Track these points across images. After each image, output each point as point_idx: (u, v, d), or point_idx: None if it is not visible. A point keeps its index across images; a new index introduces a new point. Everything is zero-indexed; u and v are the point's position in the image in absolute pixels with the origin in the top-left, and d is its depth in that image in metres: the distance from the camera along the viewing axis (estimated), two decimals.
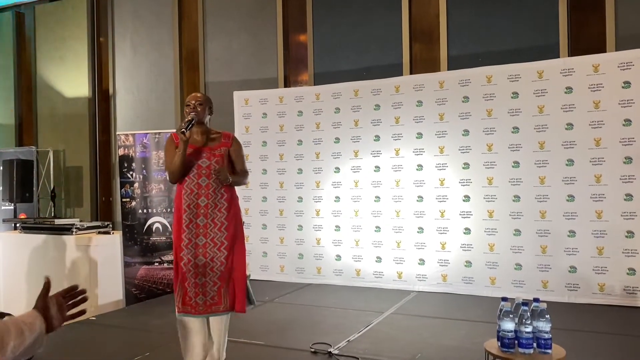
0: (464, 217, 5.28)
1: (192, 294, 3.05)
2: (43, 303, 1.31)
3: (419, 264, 5.45)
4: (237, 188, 3.32)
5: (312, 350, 3.65)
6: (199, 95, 3.28)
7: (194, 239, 3.09)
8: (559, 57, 5.28)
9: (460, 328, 4.15)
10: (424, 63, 5.92)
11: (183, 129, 3.02)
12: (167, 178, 3.22)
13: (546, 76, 5.03)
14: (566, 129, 4.94)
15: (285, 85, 6.53)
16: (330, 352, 3.59)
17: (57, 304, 1.34)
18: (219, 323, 3.13)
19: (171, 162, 3.11)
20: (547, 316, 2.46)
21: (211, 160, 3.14)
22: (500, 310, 2.52)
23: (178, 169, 3.08)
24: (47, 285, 1.35)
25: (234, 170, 3.26)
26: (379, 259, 5.63)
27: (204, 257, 3.07)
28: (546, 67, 5.05)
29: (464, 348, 3.66)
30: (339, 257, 5.82)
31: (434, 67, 5.81)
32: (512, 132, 5.11)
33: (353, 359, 3.47)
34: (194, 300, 3.05)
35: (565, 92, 4.94)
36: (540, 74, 5.05)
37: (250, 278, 3.41)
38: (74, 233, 5.47)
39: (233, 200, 3.21)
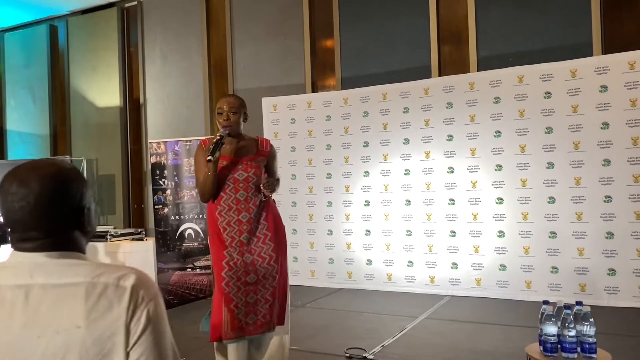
0: (498, 220, 5.19)
1: (241, 315, 2.82)
2: None
3: (451, 268, 5.38)
4: None
5: (347, 355, 3.63)
6: (231, 99, 2.93)
7: (240, 257, 2.85)
8: (592, 55, 5.17)
9: (496, 333, 4.08)
10: (453, 65, 5.86)
11: (210, 154, 2.71)
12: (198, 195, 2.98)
13: (580, 75, 4.92)
14: (602, 128, 4.82)
15: (313, 91, 6.54)
16: (365, 357, 3.57)
17: None
18: (269, 340, 2.94)
19: (201, 175, 2.85)
20: (591, 319, 2.40)
21: (248, 172, 2.89)
22: (542, 313, 2.47)
23: (210, 191, 2.84)
24: None
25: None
26: (410, 263, 5.58)
27: (255, 275, 2.84)
28: (580, 65, 4.94)
29: (501, 353, 3.60)
30: (369, 262, 5.78)
31: (463, 68, 5.75)
32: (546, 132, 5.02)
33: None
34: (243, 322, 2.83)
35: (600, 91, 4.83)
36: (574, 72, 4.95)
37: None
38: (108, 240, 5.56)
39: (272, 209, 3.00)
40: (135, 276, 1.05)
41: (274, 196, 3.09)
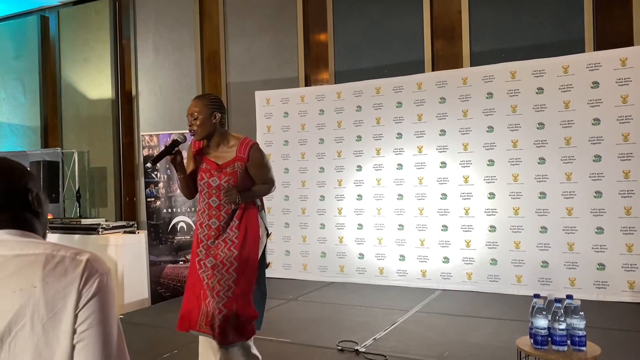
0: (489, 215, 5.23)
1: (200, 312, 2.81)
2: None
3: (443, 262, 5.41)
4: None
5: (339, 348, 3.64)
6: (194, 102, 2.81)
7: (205, 259, 2.84)
8: (584, 52, 5.20)
9: (487, 326, 4.12)
10: (446, 60, 5.88)
11: (151, 161, 2.75)
12: None
13: (572, 71, 4.96)
14: (593, 124, 4.86)
15: (306, 85, 6.53)
16: (357, 350, 3.59)
17: None
18: (224, 356, 2.82)
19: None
20: (581, 313, 2.43)
21: (221, 180, 2.79)
22: (533, 307, 2.49)
23: (184, 192, 2.92)
24: None
25: (252, 182, 2.89)
26: (402, 257, 5.60)
27: (212, 279, 2.79)
28: (572, 61, 4.98)
29: (492, 346, 3.63)
30: (362, 256, 5.81)
31: (456, 63, 5.77)
32: (538, 128, 5.05)
33: (381, 356, 3.46)
34: (200, 319, 2.81)
35: (592, 87, 4.87)
36: (566, 69, 4.98)
37: (273, 276, 3.18)
38: (100, 233, 5.54)
39: (247, 217, 2.85)
40: (90, 254, 1.18)
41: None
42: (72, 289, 1.11)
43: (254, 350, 2.92)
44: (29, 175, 1.27)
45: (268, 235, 3.02)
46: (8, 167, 1.25)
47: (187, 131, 2.85)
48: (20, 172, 1.26)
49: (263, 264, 3.00)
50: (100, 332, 1.14)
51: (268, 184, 2.96)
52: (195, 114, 2.76)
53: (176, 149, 2.80)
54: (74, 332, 1.11)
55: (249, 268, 2.84)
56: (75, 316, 1.11)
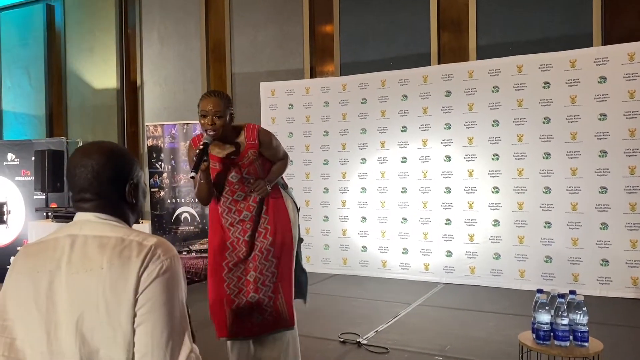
0: (493, 209, 5.21)
1: (242, 316, 2.76)
2: None
3: (446, 256, 5.41)
4: None
5: (341, 340, 3.66)
6: (216, 101, 2.66)
7: (243, 256, 2.79)
8: (592, 46, 5.16)
9: (489, 320, 4.12)
10: (452, 53, 5.84)
11: (193, 169, 2.58)
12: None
13: (579, 65, 4.92)
14: (599, 119, 4.83)
15: (312, 76, 6.51)
16: (359, 342, 3.60)
17: None
18: (273, 343, 2.82)
19: (195, 181, 2.75)
20: (584, 309, 2.42)
21: (242, 173, 2.76)
22: (536, 302, 2.48)
23: (206, 198, 2.78)
24: None
25: (270, 164, 2.88)
26: (405, 251, 5.60)
27: (254, 272, 2.76)
28: (579, 56, 4.93)
29: (493, 340, 3.63)
30: (364, 248, 5.81)
31: (462, 56, 5.73)
32: (544, 122, 5.02)
33: (382, 349, 3.47)
34: (245, 322, 2.77)
35: (599, 82, 4.83)
36: (573, 63, 4.94)
37: None
38: None
39: (273, 199, 2.83)
40: (157, 239, 1.27)
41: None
42: (132, 273, 1.19)
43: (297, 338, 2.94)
44: (134, 165, 1.37)
45: (298, 210, 2.99)
46: (118, 156, 1.35)
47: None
48: (127, 163, 1.36)
49: (299, 240, 2.99)
50: (160, 315, 1.19)
51: (283, 159, 2.92)
52: (220, 112, 2.63)
53: (207, 150, 2.66)
54: (135, 315, 1.18)
55: (285, 251, 2.83)
56: (136, 300, 1.18)
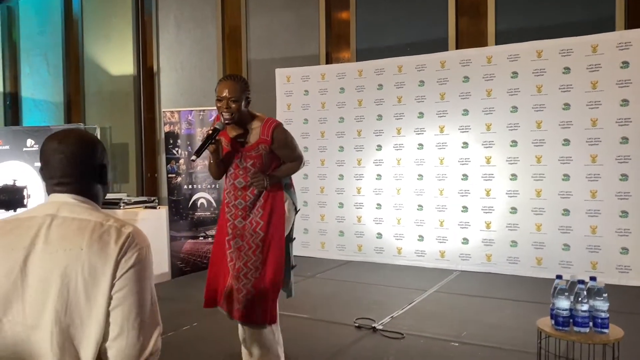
0: (511, 196, 5.16)
1: (227, 293, 2.82)
2: None
3: (462, 243, 5.38)
4: None
5: (356, 325, 3.66)
6: (232, 85, 2.67)
7: (232, 239, 2.84)
8: (614, 30, 5.05)
9: (505, 307, 4.09)
10: (470, 38, 5.76)
11: (195, 153, 2.67)
12: None
13: (601, 50, 4.82)
14: (621, 105, 4.74)
15: (327, 62, 6.47)
16: (374, 327, 3.60)
17: None
18: (249, 334, 2.84)
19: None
20: (605, 295, 2.39)
21: (247, 163, 2.77)
22: (555, 288, 2.46)
23: (214, 174, 2.89)
24: None
25: (280, 162, 2.87)
26: (421, 238, 5.58)
27: (238, 261, 2.78)
28: (601, 40, 4.83)
29: (510, 327, 3.61)
30: (380, 235, 5.80)
31: (481, 41, 5.65)
32: (563, 108, 4.94)
33: (398, 334, 3.46)
34: (230, 303, 2.82)
35: (621, 67, 4.73)
36: (595, 48, 4.84)
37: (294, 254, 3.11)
38: (121, 207, 5.61)
39: (273, 197, 2.84)
40: (133, 227, 1.34)
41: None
42: (111, 258, 1.26)
43: (278, 335, 2.90)
44: (104, 149, 1.46)
45: (296, 211, 3.00)
46: (92, 143, 1.42)
47: (211, 108, 2.85)
48: (101, 149, 1.44)
49: (290, 239, 2.99)
50: (134, 300, 1.28)
51: (295, 161, 2.90)
52: (234, 97, 2.64)
53: (216, 136, 2.70)
54: (111, 297, 1.26)
55: (275, 248, 2.82)
56: (112, 284, 1.26)
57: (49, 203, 1.37)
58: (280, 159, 2.86)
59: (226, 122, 2.68)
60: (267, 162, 2.80)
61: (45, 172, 1.39)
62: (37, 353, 1.25)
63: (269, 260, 2.81)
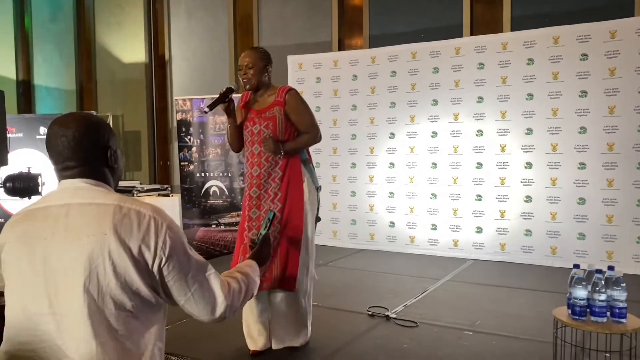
0: (526, 185, 5.10)
1: None
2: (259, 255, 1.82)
3: (476, 232, 5.34)
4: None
5: (370, 313, 3.66)
6: (249, 52, 2.87)
7: (247, 211, 2.91)
8: (633, 15, 4.94)
9: (519, 296, 4.07)
10: (485, 24, 5.67)
11: (207, 106, 2.79)
12: None
13: (619, 36, 4.72)
14: (639, 92, 4.65)
15: (340, 49, 6.42)
16: (387, 315, 3.59)
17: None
18: (276, 302, 2.92)
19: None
20: (623, 285, 2.35)
21: (261, 125, 2.86)
22: (572, 277, 2.42)
23: (231, 141, 3.01)
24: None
25: (295, 132, 2.92)
26: (434, 227, 5.55)
27: (257, 230, 2.81)
28: (619, 26, 4.73)
29: (525, 316, 3.59)
30: (392, 224, 5.77)
31: (496, 28, 5.56)
32: (580, 96, 4.86)
33: (411, 323, 3.45)
34: None
35: None
36: (613, 34, 4.75)
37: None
38: (135, 195, 5.63)
39: (291, 168, 2.90)
40: (152, 206, 1.35)
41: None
42: (137, 239, 1.27)
43: (307, 305, 2.98)
44: (111, 133, 1.43)
45: (318, 189, 3.03)
46: (96, 124, 1.40)
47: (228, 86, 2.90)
48: (105, 130, 1.41)
49: (317, 218, 3.04)
50: (182, 267, 1.33)
51: (310, 132, 2.94)
52: (250, 64, 2.84)
53: (230, 96, 2.87)
54: (150, 277, 1.30)
55: (292, 221, 2.88)
56: (147, 265, 1.29)
57: (61, 190, 1.35)
58: (295, 129, 2.92)
59: (246, 87, 2.87)
60: (281, 127, 2.87)
61: (52, 158, 1.37)
62: (69, 341, 1.25)
63: (285, 233, 2.87)
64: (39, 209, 1.33)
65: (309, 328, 3.06)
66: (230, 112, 2.91)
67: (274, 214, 2.04)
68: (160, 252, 1.29)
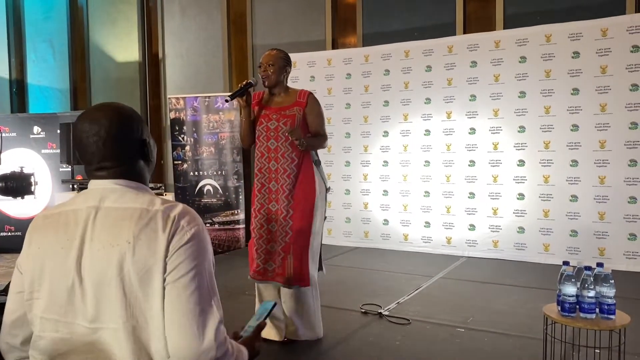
0: (518, 182, 5.13)
1: (260, 261, 3.02)
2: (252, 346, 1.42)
3: (469, 229, 5.37)
4: None
5: (363, 310, 3.67)
6: (272, 52, 3.04)
7: (267, 204, 3.04)
8: (624, 13, 4.97)
9: (512, 293, 4.09)
10: (478, 22, 5.69)
11: (230, 95, 2.96)
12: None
13: (611, 34, 4.75)
14: (630, 90, 4.68)
15: (334, 48, 6.42)
16: (380, 313, 3.61)
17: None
18: (288, 297, 3.04)
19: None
20: (611, 281, 2.37)
21: (279, 122, 2.98)
22: (562, 274, 2.44)
23: (244, 136, 3.09)
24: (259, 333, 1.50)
25: (307, 133, 3.04)
26: (427, 224, 5.57)
27: (275, 224, 3.00)
28: (611, 24, 4.76)
29: (516, 313, 3.61)
30: (386, 222, 5.79)
31: (489, 26, 5.58)
32: (572, 94, 4.89)
33: (404, 320, 3.47)
34: (262, 267, 3.02)
35: (632, 51, 4.67)
36: (604, 32, 4.78)
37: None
38: None
39: (304, 166, 3.03)
40: (182, 208, 1.25)
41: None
42: (161, 248, 1.17)
43: (315, 299, 3.11)
44: (144, 123, 1.32)
45: (327, 189, 3.16)
46: (129, 117, 1.28)
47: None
48: (139, 122, 1.30)
49: (323, 219, 3.15)
50: (187, 283, 1.17)
51: (322, 136, 3.08)
52: (272, 61, 2.98)
53: (248, 89, 2.98)
54: (164, 280, 1.17)
55: (305, 216, 3.00)
56: (165, 268, 1.17)
57: (91, 191, 1.26)
58: (307, 131, 3.03)
59: (265, 84, 2.99)
60: (298, 125, 2.99)
61: (82, 157, 1.27)
62: (109, 351, 1.19)
63: (297, 229, 2.98)
64: (68, 211, 1.25)
65: (320, 322, 3.18)
66: (246, 105, 3.01)
67: (274, 304, 1.65)
68: (173, 247, 1.18)
